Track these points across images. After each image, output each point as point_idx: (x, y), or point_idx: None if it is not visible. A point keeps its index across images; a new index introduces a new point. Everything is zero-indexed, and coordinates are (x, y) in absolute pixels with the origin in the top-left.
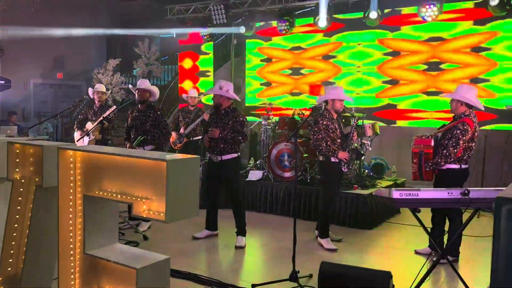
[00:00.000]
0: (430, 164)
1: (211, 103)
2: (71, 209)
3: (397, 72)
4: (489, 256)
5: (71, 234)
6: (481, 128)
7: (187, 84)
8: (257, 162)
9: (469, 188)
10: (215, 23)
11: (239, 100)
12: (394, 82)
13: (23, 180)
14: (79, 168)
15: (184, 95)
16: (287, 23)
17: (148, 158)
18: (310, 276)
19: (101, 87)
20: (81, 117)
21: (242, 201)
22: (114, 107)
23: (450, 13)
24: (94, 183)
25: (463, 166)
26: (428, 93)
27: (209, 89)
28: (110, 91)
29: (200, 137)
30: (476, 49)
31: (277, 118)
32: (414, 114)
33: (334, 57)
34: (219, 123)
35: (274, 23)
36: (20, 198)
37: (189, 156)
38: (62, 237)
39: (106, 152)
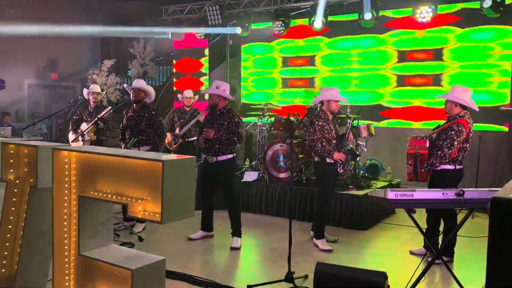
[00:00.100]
0: (425, 165)
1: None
2: (66, 210)
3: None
4: (483, 256)
5: (65, 235)
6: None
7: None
8: (253, 163)
9: (464, 189)
10: (210, 24)
11: (235, 100)
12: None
13: (17, 181)
14: (74, 169)
15: (179, 95)
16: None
17: (143, 158)
18: (306, 276)
19: (95, 88)
20: (76, 118)
21: (238, 202)
22: (109, 107)
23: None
24: (89, 184)
25: (457, 167)
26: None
27: (206, 88)
28: (105, 91)
29: (195, 138)
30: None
31: (272, 119)
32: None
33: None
34: (214, 123)
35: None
36: (14, 199)
37: (184, 156)
38: (57, 238)
39: (101, 152)
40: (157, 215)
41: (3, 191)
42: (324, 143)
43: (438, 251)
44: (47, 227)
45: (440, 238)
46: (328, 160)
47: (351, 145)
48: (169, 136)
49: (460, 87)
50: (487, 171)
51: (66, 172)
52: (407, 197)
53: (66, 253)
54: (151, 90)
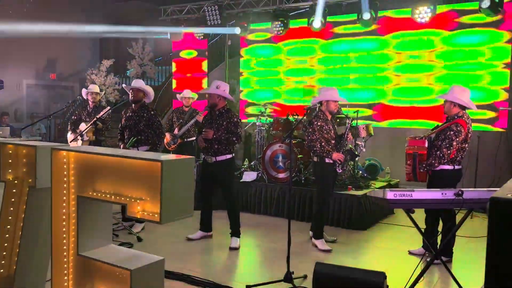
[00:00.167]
0: (424, 165)
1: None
2: (64, 210)
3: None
4: (482, 256)
5: (64, 236)
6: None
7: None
8: (252, 163)
9: (462, 189)
10: (209, 24)
11: (234, 101)
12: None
13: (16, 181)
14: (73, 169)
15: (178, 96)
16: (282, 25)
17: (142, 158)
18: (305, 276)
19: (94, 88)
20: (75, 118)
21: (237, 202)
22: (108, 108)
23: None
24: (88, 184)
25: (456, 167)
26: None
27: (206, 88)
28: (103, 91)
29: (194, 138)
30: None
31: (271, 119)
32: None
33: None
34: (213, 124)
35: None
36: (13, 199)
37: (183, 156)
38: (56, 239)
39: (100, 152)
40: (156, 215)
41: (2, 191)
42: (323, 143)
43: (437, 251)
44: (45, 227)
45: (439, 238)
46: (327, 160)
47: (350, 145)
48: (168, 136)
49: (458, 87)
50: (486, 171)
51: (65, 172)
52: (406, 197)
53: (64, 253)
54: (150, 90)
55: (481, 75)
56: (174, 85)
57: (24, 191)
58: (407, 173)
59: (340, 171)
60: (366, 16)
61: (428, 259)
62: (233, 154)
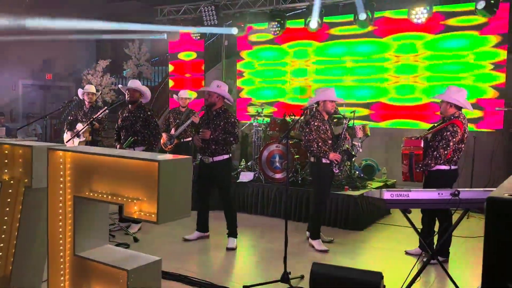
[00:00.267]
0: (420, 165)
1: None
2: (61, 211)
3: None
4: (478, 256)
5: (61, 236)
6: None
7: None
8: (248, 164)
9: (459, 189)
10: (206, 24)
11: (232, 103)
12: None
13: (12, 181)
14: (69, 169)
15: (175, 96)
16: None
17: (139, 158)
18: (302, 277)
19: (90, 88)
20: (71, 118)
21: (234, 202)
22: (105, 108)
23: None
24: (85, 184)
25: (452, 167)
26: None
27: (206, 86)
28: (100, 92)
29: (190, 138)
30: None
31: (267, 119)
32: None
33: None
34: (210, 124)
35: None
36: (9, 200)
37: (181, 156)
38: (52, 239)
39: (97, 152)
40: (153, 215)
41: None
42: (320, 143)
43: (434, 251)
44: (42, 227)
45: (436, 238)
46: (324, 160)
47: (347, 146)
48: (164, 137)
49: (454, 87)
50: (482, 171)
51: (61, 172)
52: (403, 197)
53: (61, 254)
54: (146, 90)
55: (465, 77)
56: (171, 83)
57: (20, 191)
58: (403, 172)
59: (337, 171)
60: (362, 16)
61: (424, 259)
62: (230, 155)
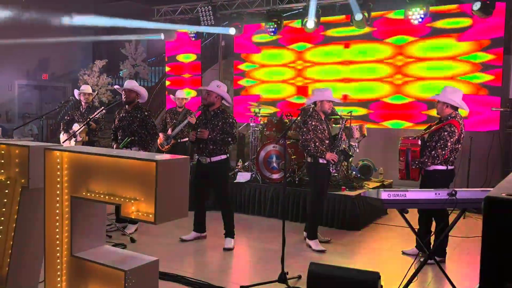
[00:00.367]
0: (416, 162)
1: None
2: (58, 211)
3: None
4: (475, 256)
5: (57, 236)
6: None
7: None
8: (245, 164)
9: (456, 189)
10: (203, 25)
11: (230, 104)
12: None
13: (8, 182)
14: (66, 169)
15: (172, 96)
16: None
17: (137, 158)
18: (299, 277)
19: (86, 88)
20: (68, 118)
21: (231, 202)
22: (102, 108)
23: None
24: (82, 184)
25: (449, 167)
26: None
27: (206, 86)
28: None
29: (187, 138)
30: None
31: (265, 120)
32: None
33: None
34: (208, 124)
35: None
36: (5, 200)
37: (179, 156)
38: (49, 239)
39: (94, 152)
40: (150, 216)
41: None
42: (317, 143)
43: (431, 251)
44: (38, 228)
45: (432, 238)
46: (321, 160)
47: (344, 146)
48: (161, 137)
49: (450, 88)
50: (478, 171)
51: (58, 173)
52: (400, 197)
53: (58, 254)
54: (142, 90)
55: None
56: (168, 84)
57: (16, 191)
58: (400, 169)
59: (333, 171)
60: (358, 17)
61: (421, 259)
62: (228, 155)
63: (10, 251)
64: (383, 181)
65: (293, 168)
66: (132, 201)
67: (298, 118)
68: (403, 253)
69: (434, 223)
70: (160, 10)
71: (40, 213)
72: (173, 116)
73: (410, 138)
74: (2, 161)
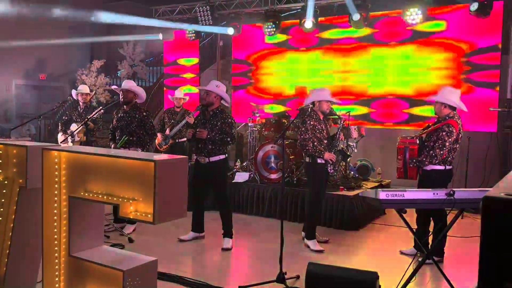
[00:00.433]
0: (414, 160)
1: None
2: (55, 211)
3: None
4: (473, 256)
5: (55, 236)
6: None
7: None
8: (244, 164)
9: (454, 189)
10: (201, 25)
11: (229, 104)
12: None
13: (6, 181)
14: (64, 169)
15: (170, 96)
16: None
17: (135, 158)
18: (297, 277)
19: (84, 88)
20: (65, 118)
21: (229, 203)
22: (100, 108)
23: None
24: (80, 184)
25: (447, 167)
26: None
27: (205, 86)
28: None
29: (185, 138)
30: None
31: (263, 120)
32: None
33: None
34: (207, 124)
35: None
36: (3, 200)
37: (177, 156)
38: (47, 239)
39: (92, 152)
40: (149, 216)
41: None
42: (315, 143)
43: (429, 251)
44: (36, 228)
45: (430, 238)
46: (319, 160)
47: (342, 146)
48: (159, 137)
49: (448, 88)
50: (476, 171)
51: (56, 173)
52: (398, 197)
53: (56, 254)
54: (140, 91)
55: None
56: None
57: (14, 191)
58: (397, 168)
59: (331, 171)
60: (356, 17)
61: (419, 259)
62: (227, 155)
63: (8, 251)
64: (381, 181)
65: (291, 168)
66: (131, 201)
67: (296, 118)
68: (401, 253)
69: (432, 223)
70: (158, 10)
71: (38, 213)
72: (171, 116)
73: (408, 138)
74: (0, 161)
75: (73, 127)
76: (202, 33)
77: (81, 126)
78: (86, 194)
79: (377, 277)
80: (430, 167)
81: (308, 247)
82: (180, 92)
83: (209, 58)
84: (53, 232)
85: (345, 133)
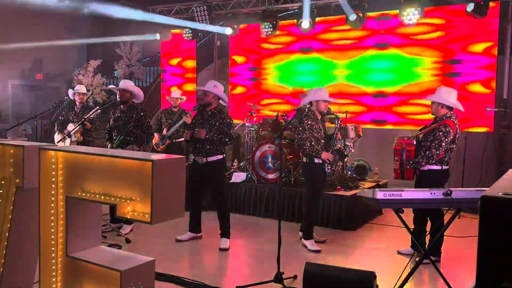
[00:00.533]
0: (411, 162)
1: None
2: (53, 211)
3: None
4: (471, 255)
5: (52, 237)
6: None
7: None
8: (241, 164)
9: (451, 189)
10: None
11: (227, 104)
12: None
13: (3, 181)
14: (61, 169)
15: (167, 96)
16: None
17: (133, 158)
18: (295, 277)
19: (81, 88)
20: (62, 118)
21: (227, 203)
22: (97, 108)
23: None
24: (77, 184)
25: (444, 167)
26: None
27: (202, 86)
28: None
29: (183, 138)
30: None
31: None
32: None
33: None
34: (205, 124)
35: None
36: None
37: (174, 156)
38: (44, 240)
39: (89, 152)
40: (146, 216)
41: None
42: (313, 142)
43: (426, 251)
44: (33, 228)
45: (428, 238)
46: (316, 160)
47: (339, 145)
48: (156, 137)
49: (445, 88)
50: (473, 171)
51: (53, 173)
52: (396, 197)
53: (53, 255)
54: (137, 90)
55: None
56: (162, 86)
57: (11, 191)
58: (394, 169)
59: (328, 170)
60: (352, 17)
61: (417, 259)
62: (224, 155)
63: (4, 251)
64: (378, 181)
65: (288, 168)
66: (128, 201)
67: (294, 118)
68: (399, 252)
69: (429, 223)
70: (155, 10)
71: (35, 213)
72: (168, 116)
73: (405, 138)
74: None
75: (70, 127)
76: (199, 33)
77: (78, 126)
78: (83, 194)
79: (375, 277)
80: (427, 167)
81: (306, 247)
82: (176, 92)
83: (206, 58)
84: (50, 232)
85: (342, 133)
